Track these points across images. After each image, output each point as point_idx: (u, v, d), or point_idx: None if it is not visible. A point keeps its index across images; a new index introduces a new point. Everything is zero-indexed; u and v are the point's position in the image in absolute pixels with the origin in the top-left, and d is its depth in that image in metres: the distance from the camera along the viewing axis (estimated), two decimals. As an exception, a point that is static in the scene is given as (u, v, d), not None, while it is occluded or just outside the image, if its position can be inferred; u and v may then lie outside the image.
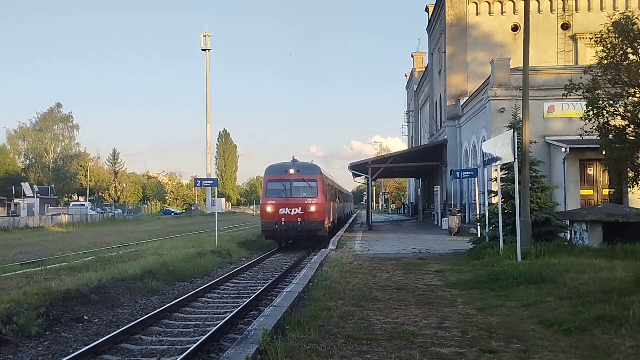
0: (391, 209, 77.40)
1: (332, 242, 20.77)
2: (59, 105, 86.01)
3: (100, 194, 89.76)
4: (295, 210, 21.14)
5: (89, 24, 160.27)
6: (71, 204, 73.13)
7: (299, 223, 20.97)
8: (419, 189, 48.49)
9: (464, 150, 29.79)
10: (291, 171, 22.05)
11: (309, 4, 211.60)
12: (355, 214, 61.53)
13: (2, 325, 8.25)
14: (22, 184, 65.90)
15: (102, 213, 64.53)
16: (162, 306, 10.72)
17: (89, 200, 76.97)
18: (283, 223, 20.98)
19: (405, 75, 63.39)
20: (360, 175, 38.27)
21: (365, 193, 50.97)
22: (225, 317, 9.59)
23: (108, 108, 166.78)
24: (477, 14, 32.00)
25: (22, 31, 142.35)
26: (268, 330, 6.47)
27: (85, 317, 9.88)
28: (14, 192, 64.23)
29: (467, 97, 29.50)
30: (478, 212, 18.77)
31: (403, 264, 14.12)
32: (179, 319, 10.09)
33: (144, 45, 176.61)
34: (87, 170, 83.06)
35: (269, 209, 21.43)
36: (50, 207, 62.79)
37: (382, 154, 56.70)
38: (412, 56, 56.04)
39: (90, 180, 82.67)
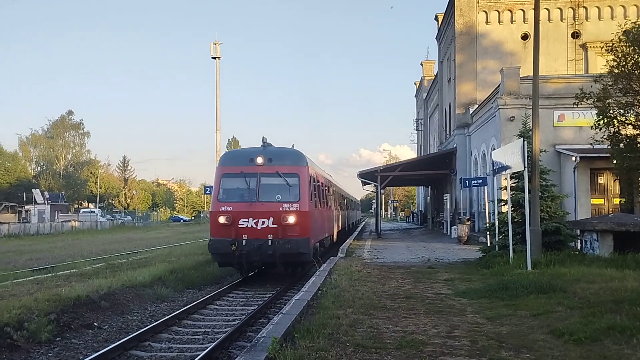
0: (400, 218, 77.29)
1: (341, 250, 20.66)
2: (70, 113, 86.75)
3: (110, 200, 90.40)
4: (264, 222, 13.98)
5: (98, 31, 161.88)
6: (81, 210, 73.66)
7: (269, 243, 13.80)
8: (428, 198, 48.39)
9: (473, 159, 29.73)
10: (259, 160, 14.57)
11: (317, 12, 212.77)
12: (363, 222, 61.46)
13: (14, 331, 8.33)
14: (33, 190, 66.41)
15: (112, 220, 65.05)
16: (171, 313, 10.78)
17: (99, 207, 77.50)
18: (244, 243, 13.76)
19: (415, 84, 63.43)
20: (369, 183, 38.24)
21: (374, 201, 50.89)
22: (235, 324, 9.62)
23: (118, 115, 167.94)
24: (487, 22, 32.02)
25: (34, 39, 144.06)
26: (277, 338, 6.46)
27: (95, 324, 9.95)
28: (25, 199, 64.78)
29: (477, 106, 29.47)
30: (488, 221, 18.70)
31: (412, 273, 14.07)
32: (188, 326, 10.12)
33: (155, 53, 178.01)
34: (97, 177, 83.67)
35: (222, 219, 14.02)
36: (60, 214, 63.26)
37: (391, 162, 56.75)
38: (421, 64, 56.05)
39: (101, 187, 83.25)
